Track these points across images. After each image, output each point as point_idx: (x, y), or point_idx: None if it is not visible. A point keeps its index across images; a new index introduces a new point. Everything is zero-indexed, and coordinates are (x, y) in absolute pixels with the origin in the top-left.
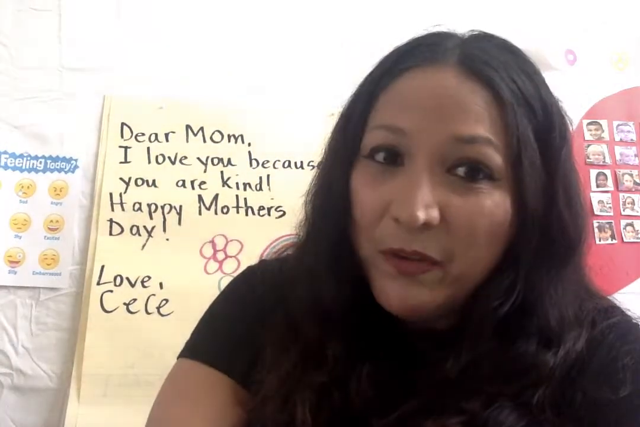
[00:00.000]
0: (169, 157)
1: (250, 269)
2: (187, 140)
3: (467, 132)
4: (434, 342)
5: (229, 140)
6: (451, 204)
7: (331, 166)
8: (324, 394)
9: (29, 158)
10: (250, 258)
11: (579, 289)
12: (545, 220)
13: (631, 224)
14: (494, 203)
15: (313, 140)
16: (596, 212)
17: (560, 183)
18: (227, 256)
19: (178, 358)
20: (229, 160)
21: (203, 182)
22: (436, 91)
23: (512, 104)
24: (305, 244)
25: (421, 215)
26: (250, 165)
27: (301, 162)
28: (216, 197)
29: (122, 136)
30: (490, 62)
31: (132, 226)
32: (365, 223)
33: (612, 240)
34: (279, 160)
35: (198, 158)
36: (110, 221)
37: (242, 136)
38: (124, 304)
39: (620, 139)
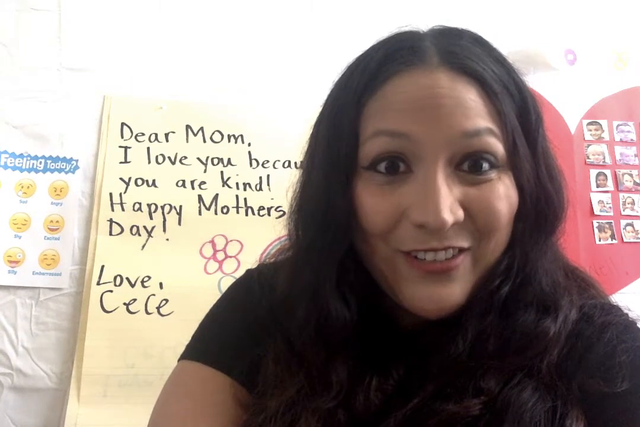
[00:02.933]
0: (169, 157)
1: (248, 273)
2: (187, 140)
3: (472, 126)
4: (438, 332)
5: (229, 140)
6: (470, 197)
7: (325, 180)
8: (330, 417)
9: (29, 158)
10: (250, 258)
11: (560, 255)
12: (535, 196)
13: (631, 224)
14: (506, 187)
15: None
16: (596, 212)
17: (541, 159)
18: (227, 256)
19: (179, 360)
20: (229, 160)
21: (203, 182)
22: (431, 91)
23: (500, 93)
24: (299, 262)
25: (449, 218)
26: (250, 165)
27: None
28: (216, 197)
29: (122, 136)
30: (470, 57)
31: (132, 226)
32: (377, 231)
33: (612, 240)
34: (279, 160)
35: (198, 158)
36: (110, 221)
37: (242, 136)
38: (124, 304)
39: (620, 139)
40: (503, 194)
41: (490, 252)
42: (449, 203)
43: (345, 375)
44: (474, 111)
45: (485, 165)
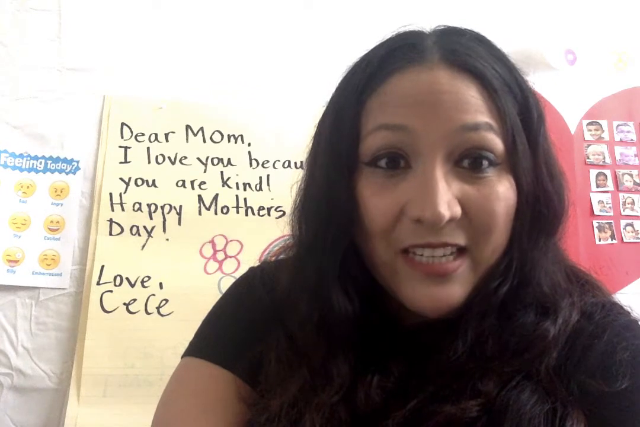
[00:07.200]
0: (169, 157)
1: (251, 271)
2: (187, 140)
3: (471, 120)
4: (438, 331)
5: (229, 140)
6: (468, 196)
7: (327, 176)
8: (332, 413)
9: (29, 158)
10: (250, 258)
11: (562, 256)
12: (534, 195)
13: (631, 224)
14: (504, 187)
15: None
16: (596, 212)
17: (542, 159)
18: (227, 256)
19: (182, 357)
20: (228, 160)
21: (203, 182)
22: (432, 88)
23: (501, 90)
24: (302, 258)
25: (445, 212)
26: (250, 165)
27: (301, 162)
28: (216, 197)
29: (122, 136)
30: (471, 54)
31: (132, 226)
32: (378, 229)
33: (612, 240)
34: (279, 160)
35: (198, 158)
36: (110, 221)
37: (242, 136)
38: (124, 304)
39: (620, 139)
40: (502, 195)
41: (490, 254)
42: (446, 198)
43: (347, 370)
44: (474, 107)
45: (485, 163)
